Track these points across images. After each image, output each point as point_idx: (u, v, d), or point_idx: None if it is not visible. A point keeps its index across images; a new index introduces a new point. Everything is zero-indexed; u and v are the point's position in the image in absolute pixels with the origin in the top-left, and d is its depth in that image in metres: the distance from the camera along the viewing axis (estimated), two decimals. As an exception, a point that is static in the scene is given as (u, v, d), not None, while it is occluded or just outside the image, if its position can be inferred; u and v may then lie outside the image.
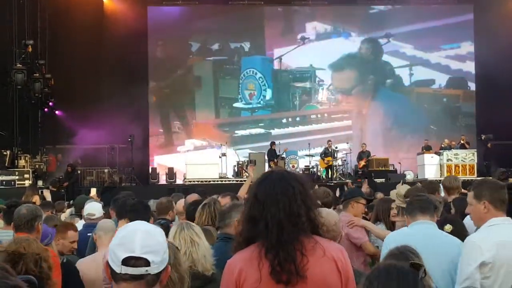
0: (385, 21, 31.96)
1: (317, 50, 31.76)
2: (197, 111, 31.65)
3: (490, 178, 5.85)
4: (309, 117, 31.90)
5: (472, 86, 32.19)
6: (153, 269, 2.63)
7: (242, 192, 8.78)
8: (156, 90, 31.41)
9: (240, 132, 31.55)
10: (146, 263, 2.62)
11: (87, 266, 5.87)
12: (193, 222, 6.17)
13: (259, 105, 31.90)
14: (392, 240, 5.18)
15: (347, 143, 28.57)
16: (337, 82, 31.96)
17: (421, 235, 5.08)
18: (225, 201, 7.19)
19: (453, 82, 32.27)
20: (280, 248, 3.21)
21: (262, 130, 31.60)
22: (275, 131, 31.45)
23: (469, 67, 32.00)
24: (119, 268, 2.61)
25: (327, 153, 27.36)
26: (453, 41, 32.13)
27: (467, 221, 5.60)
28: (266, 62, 31.95)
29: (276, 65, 31.99)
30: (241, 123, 31.82)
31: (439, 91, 32.36)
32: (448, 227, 5.49)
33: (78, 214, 9.71)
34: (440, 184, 8.72)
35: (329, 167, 27.15)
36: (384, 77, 32.18)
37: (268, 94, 31.86)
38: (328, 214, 4.56)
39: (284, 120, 31.83)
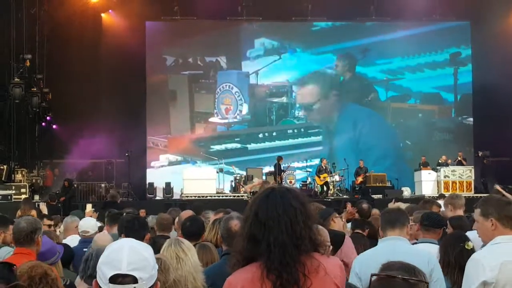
0: (371, 34, 32.00)
1: (293, 65, 31.79)
2: (172, 125, 31.51)
3: (497, 195, 5.74)
4: (286, 132, 31.75)
5: (450, 97, 32.32)
6: (141, 286, 2.62)
7: (248, 187, 8.75)
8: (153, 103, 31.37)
9: (216, 147, 31.30)
10: (134, 280, 2.61)
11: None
12: (190, 238, 6.17)
13: (235, 120, 31.72)
14: (358, 261, 5.14)
15: (344, 159, 28.47)
16: (306, 98, 31.82)
17: (387, 252, 4.81)
18: (218, 217, 7.18)
19: (428, 97, 32.23)
20: (283, 270, 3.18)
21: (238, 145, 31.36)
22: (251, 146, 31.29)
23: (464, 81, 32.03)
24: (106, 287, 2.60)
25: (321, 170, 27.33)
26: (445, 55, 32.25)
27: (472, 238, 5.51)
28: (242, 77, 31.83)
29: (252, 80, 31.88)
30: (217, 138, 31.61)
31: (414, 106, 32.34)
32: (468, 244, 5.35)
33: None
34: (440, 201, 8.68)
35: (325, 184, 27.10)
36: (360, 92, 32.05)
37: (245, 108, 31.70)
38: (322, 231, 4.54)
39: (261, 135, 31.59)
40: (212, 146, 31.24)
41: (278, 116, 31.85)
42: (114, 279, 2.60)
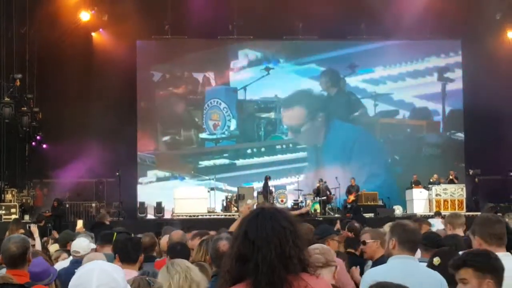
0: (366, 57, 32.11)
1: (282, 81, 31.77)
2: (160, 141, 31.44)
3: (489, 214, 5.70)
4: (275, 148, 31.76)
5: (438, 113, 32.39)
6: None
7: (233, 228, 8.66)
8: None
9: (204, 163, 31.25)
10: None
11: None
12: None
13: (223, 136, 31.68)
14: (369, 276, 5.07)
15: (336, 177, 28.42)
16: (293, 120, 31.79)
17: (398, 270, 4.88)
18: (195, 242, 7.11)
19: (417, 112, 32.28)
20: None
21: (226, 161, 31.32)
22: (239, 162, 31.28)
23: (456, 96, 32.15)
24: None
25: (315, 191, 27.41)
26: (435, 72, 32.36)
27: None
28: (230, 92, 31.86)
29: (240, 95, 31.89)
30: (205, 153, 31.56)
31: (402, 121, 32.39)
32: (436, 260, 5.35)
33: (64, 250, 9.55)
34: (433, 220, 8.64)
35: (319, 203, 27.06)
36: (347, 108, 32.08)
37: (233, 124, 31.69)
38: (324, 249, 4.51)
39: (249, 151, 31.59)
40: (200, 162, 31.23)
41: (266, 132, 31.86)
42: None
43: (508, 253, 4.64)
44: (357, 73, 32.00)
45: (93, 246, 8.10)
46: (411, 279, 4.65)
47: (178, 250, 6.62)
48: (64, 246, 9.26)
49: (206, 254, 6.17)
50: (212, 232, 9.38)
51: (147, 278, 3.65)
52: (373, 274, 5.05)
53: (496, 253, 4.55)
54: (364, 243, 7.19)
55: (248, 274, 3.21)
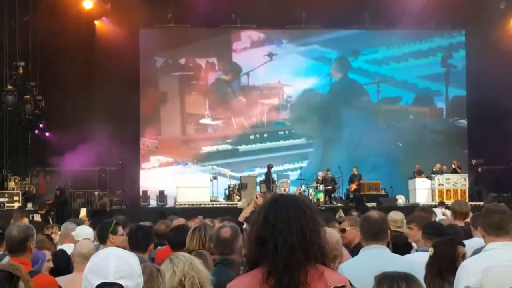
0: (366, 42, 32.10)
1: (285, 67, 31.70)
2: (163, 127, 31.43)
3: (490, 205, 5.72)
4: (277, 133, 31.70)
5: (442, 99, 32.48)
6: None
7: (243, 217, 8.67)
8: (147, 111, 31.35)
9: (207, 149, 31.21)
10: None
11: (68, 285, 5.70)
12: (176, 248, 6.08)
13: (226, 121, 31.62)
14: (344, 268, 5.07)
15: (339, 167, 28.39)
16: (298, 101, 31.81)
17: (368, 260, 4.95)
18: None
19: (420, 99, 32.28)
20: (285, 274, 3.14)
21: (229, 147, 31.31)
22: (242, 148, 31.27)
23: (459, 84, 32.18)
24: None
25: (319, 181, 27.43)
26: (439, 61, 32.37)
27: (468, 245, 5.50)
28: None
29: (243, 81, 31.86)
30: (208, 139, 31.50)
31: (405, 108, 32.36)
32: (430, 250, 5.36)
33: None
34: (436, 209, 8.66)
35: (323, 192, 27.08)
36: (351, 95, 32.05)
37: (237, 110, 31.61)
38: (330, 233, 4.52)
39: (252, 137, 31.56)
40: (203, 148, 31.17)
41: (269, 117, 31.81)
42: (100, 287, 2.58)
43: (508, 243, 4.68)
44: (361, 54, 31.94)
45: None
46: (380, 267, 4.69)
47: (172, 236, 6.64)
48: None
49: (201, 241, 6.17)
50: (200, 217, 9.42)
51: (156, 266, 3.66)
52: (346, 266, 5.07)
53: (496, 243, 4.61)
54: (344, 230, 7.27)
55: (265, 258, 3.20)
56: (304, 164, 30.32)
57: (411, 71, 32.03)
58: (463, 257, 5.18)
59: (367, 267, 4.29)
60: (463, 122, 32.00)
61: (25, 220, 11.06)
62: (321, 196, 26.90)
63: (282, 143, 31.47)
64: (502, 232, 4.71)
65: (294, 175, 29.28)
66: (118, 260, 2.64)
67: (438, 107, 32.50)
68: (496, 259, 4.57)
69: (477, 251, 5.10)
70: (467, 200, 25.29)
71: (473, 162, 28.52)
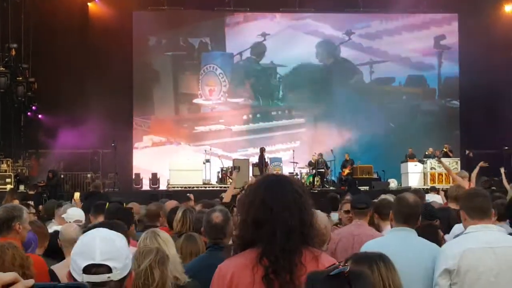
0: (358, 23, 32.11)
1: (278, 48, 31.62)
2: (156, 106, 31.35)
3: (473, 188, 5.80)
4: (270, 114, 31.70)
5: (434, 80, 32.53)
6: (115, 276, 2.60)
7: (227, 198, 8.72)
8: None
9: (200, 129, 31.19)
10: (108, 269, 2.59)
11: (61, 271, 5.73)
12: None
13: (219, 101, 31.60)
14: (368, 248, 5.10)
15: (331, 150, 28.40)
16: (291, 81, 31.72)
17: (394, 242, 4.94)
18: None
19: (412, 79, 32.27)
20: (282, 256, 3.16)
21: (222, 127, 31.29)
22: (235, 128, 31.29)
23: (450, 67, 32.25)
24: (80, 277, 2.58)
25: (311, 164, 27.41)
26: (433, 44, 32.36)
27: (459, 229, 5.57)
28: (226, 58, 31.76)
29: (237, 61, 31.81)
30: (201, 119, 31.45)
31: (398, 89, 32.37)
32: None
33: (49, 218, 9.58)
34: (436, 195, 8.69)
35: (315, 176, 27.08)
36: (344, 75, 32.03)
37: (229, 90, 31.58)
38: (320, 218, 4.56)
39: (245, 117, 31.58)
40: (196, 128, 31.15)
41: (263, 98, 31.76)
42: (88, 269, 2.58)
43: (488, 225, 4.71)
44: (354, 29, 31.87)
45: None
46: (407, 251, 4.79)
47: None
48: (50, 215, 9.31)
49: (191, 224, 6.19)
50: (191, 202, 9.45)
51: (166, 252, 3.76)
52: (374, 244, 5.09)
53: (476, 226, 4.67)
54: (348, 212, 7.31)
55: (261, 240, 3.21)
56: (296, 144, 30.40)
57: (404, 45, 31.99)
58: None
59: (394, 248, 4.37)
60: (456, 103, 32.07)
61: (16, 202, 11.07)
62: (317, 179, 26.86)
63: (274, 123, 31.50)
64: (484, 215, 4.74)
65: (286, 155, 29.25)
66: (104, 242, 2.63)
67: (431, 87, 32.51)
68: (474, 241, 4.62)
69: (459, 235, 5.14)
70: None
71: (466, 152, 28.50)
